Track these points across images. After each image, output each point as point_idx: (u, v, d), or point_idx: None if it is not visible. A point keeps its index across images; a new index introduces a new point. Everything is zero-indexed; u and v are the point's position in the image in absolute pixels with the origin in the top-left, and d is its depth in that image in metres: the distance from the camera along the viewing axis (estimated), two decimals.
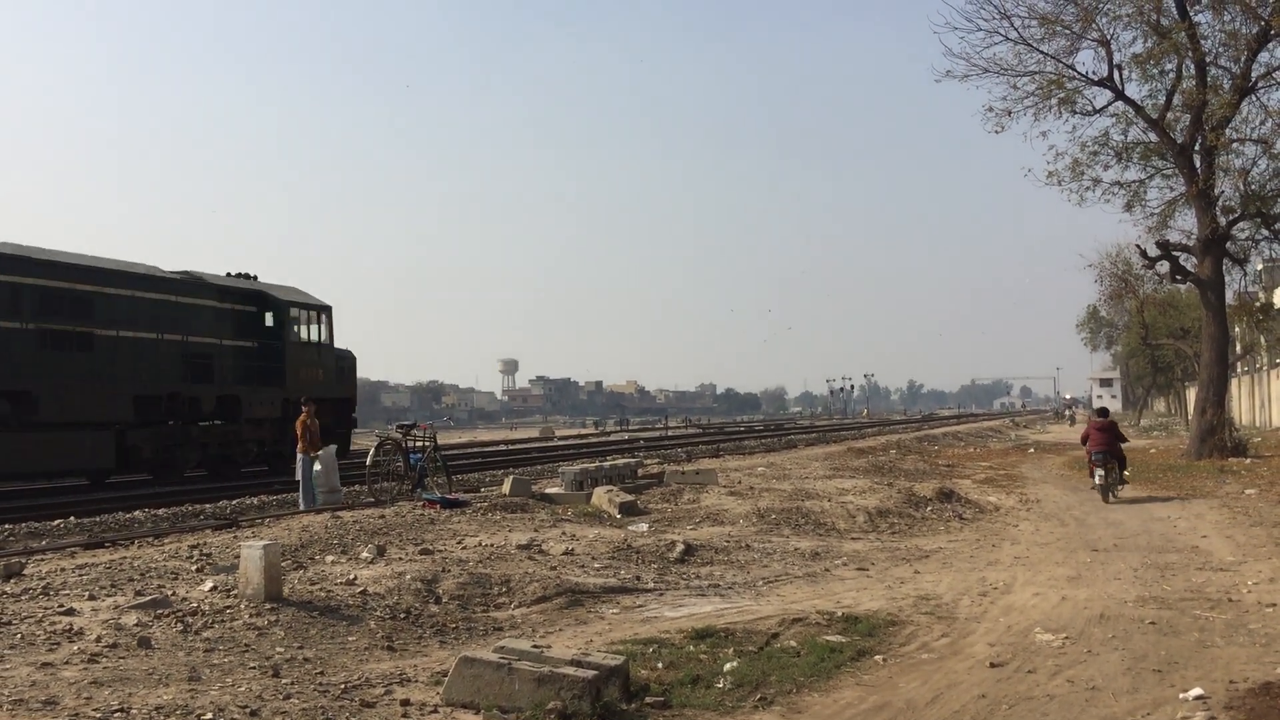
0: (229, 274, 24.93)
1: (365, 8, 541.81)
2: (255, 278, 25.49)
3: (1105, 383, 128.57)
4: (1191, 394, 40.90)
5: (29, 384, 18.39)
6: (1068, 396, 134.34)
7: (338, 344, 26.65)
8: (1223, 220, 25.98)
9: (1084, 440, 18.63)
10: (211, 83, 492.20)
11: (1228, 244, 27.02)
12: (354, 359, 27.63)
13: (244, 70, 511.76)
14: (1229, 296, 30.09)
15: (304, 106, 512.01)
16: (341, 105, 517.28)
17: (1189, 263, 27.21)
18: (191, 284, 22.84)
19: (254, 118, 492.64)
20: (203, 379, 22.29)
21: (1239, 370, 48.46)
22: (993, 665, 6.66)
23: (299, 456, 15.84)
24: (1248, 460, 23.72)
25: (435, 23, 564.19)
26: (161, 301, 21.44)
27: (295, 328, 24.84)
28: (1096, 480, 17.50)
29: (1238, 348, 43.79)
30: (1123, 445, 18.06)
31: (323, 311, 25.90)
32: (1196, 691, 5.91)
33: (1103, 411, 20.81)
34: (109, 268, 20.53)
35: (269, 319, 24.47)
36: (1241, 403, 49.28)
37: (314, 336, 25.55)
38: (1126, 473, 18.18)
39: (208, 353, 22.48)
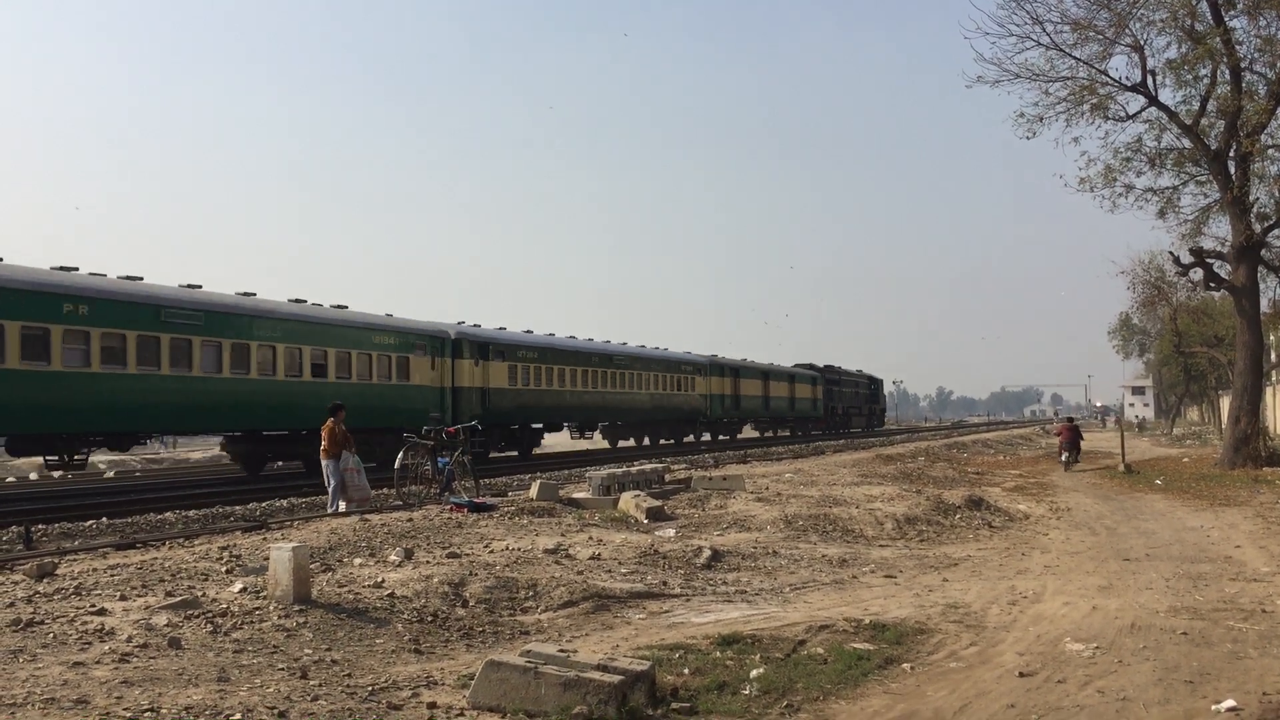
0: (858, 370, 77.20)
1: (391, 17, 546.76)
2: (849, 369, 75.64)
3: (1137, 390, 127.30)
4: (1225, 403, 40.35)
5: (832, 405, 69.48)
6: (1099, 405, 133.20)
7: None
8: (1258, 227, 25.68)
9: (1057, 435, 31.45)
10: (222, 87, 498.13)
11: (1263, 251, 26.73)
12: (885, 398, 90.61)
13: (261, 72, 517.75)
14: (1264, 304, 29.78)
15: (318, 111, 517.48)
16: (363, 113, 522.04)
17: (1223, 270, 26.94)
18: (826, 370, 67.95)
19: (268, 122, 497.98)
20: (856, 406, 73.28)
21: (1273, 379, 47.78)
22: (1022, 675, 6.60)
23: (325, 462, 15.91)
24: None
25: (449, 30, 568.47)
26: (806, 376, 63.69)
27: (879, 388, 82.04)
28: (1062, 458, 28.04)
29: (1272, 356, 43.21)
30: (1080, 441, 29.42)
31: (881, 380, 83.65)
32: (1229, 703, 5.84)
33: (1069, 419, 33.16)
34: (776, 368, 59.43)
35: (874, 386, 79.87)
36: (1276, 412, 48.59)
37: (875, 391, 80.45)
38: (1080, 456, 28.91)
39: (853, 395, 72.74)
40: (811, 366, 66.13)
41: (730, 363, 52.37)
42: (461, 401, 30.52)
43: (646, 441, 46.47)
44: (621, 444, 45.22)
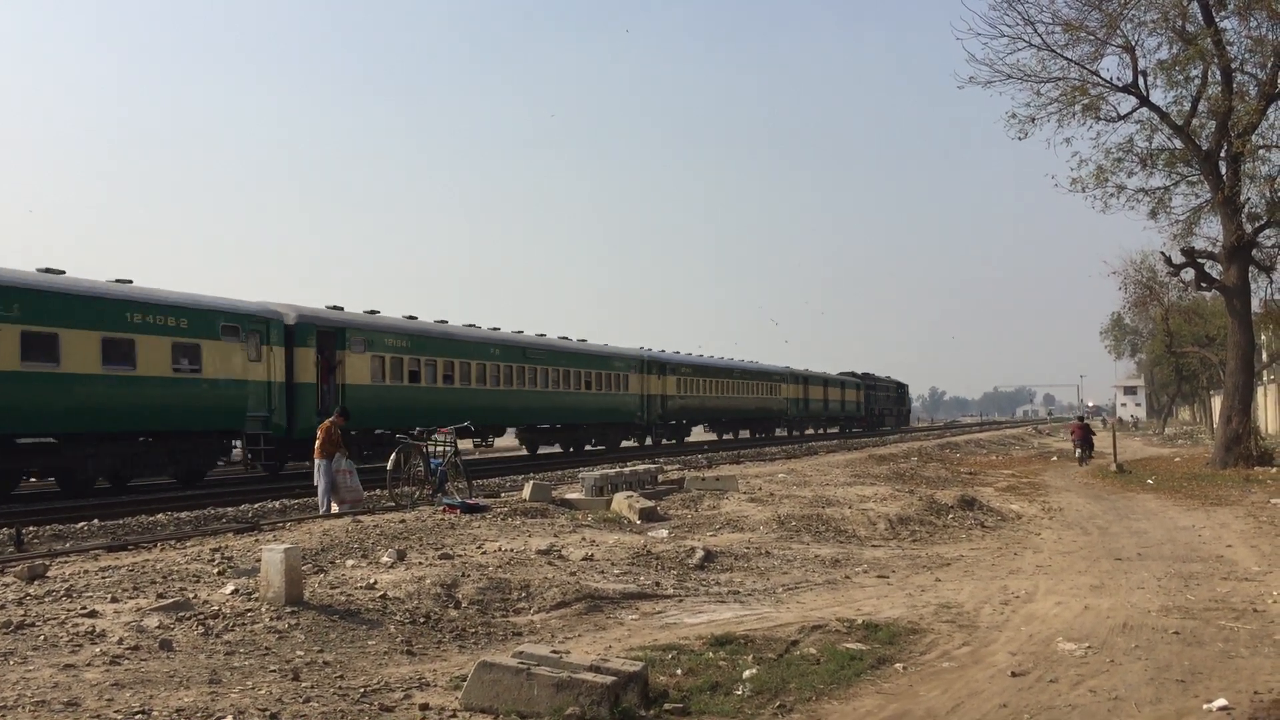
0: (887, 375, 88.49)
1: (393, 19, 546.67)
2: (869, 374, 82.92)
3: (1130, 390, 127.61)
4: (1217, 402, 40.54)
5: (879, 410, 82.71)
6: (1090, 405, 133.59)
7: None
8: (1249, 227, 25.73)
9: (1072, 433, 33.45)
10: (216, 87, 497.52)
11: (1253, 251, 26.79)
12: (911, 400, 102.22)
13: (252, 72, 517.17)
14: (1255, 304, 29.81)
15: (316, 111, 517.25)
16: (354, 110, 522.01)
17: (1214, 270, 26.98)
18: (865, 377, 78.78)
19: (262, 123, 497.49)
20: (888, 407, 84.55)
21: (1265, 379, 47.96)
22: (1014, 674, 6.61)
23: (317, 462, 15.88)
24: (1273, 469, 23.49)
25: (444, 30, 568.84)
26: (852, 383, 74.98)
27: (905, 392, 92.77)
28: (1076, 454, 30.98)
29: (1264, 356, 43.37)
30: (1092, 437, 31.80)
31: (906, 385, 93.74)
32: (1221, 702, 5.85)
33: (1080, 418, 37.52)
34: (831, 376, 71.13)
35: (901, 390, 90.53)
36: (1268, 411, 48.81)
37: (902, 395, 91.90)
38: (1091, 452, 31.14)
39: (886, 399, 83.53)
40: (854, 374, 78.24)
41: (801, 372, 64.13)
42: (650, 405, 43.30)
43: (745, 435, 57.62)
44: (725, 437, 56.34)
